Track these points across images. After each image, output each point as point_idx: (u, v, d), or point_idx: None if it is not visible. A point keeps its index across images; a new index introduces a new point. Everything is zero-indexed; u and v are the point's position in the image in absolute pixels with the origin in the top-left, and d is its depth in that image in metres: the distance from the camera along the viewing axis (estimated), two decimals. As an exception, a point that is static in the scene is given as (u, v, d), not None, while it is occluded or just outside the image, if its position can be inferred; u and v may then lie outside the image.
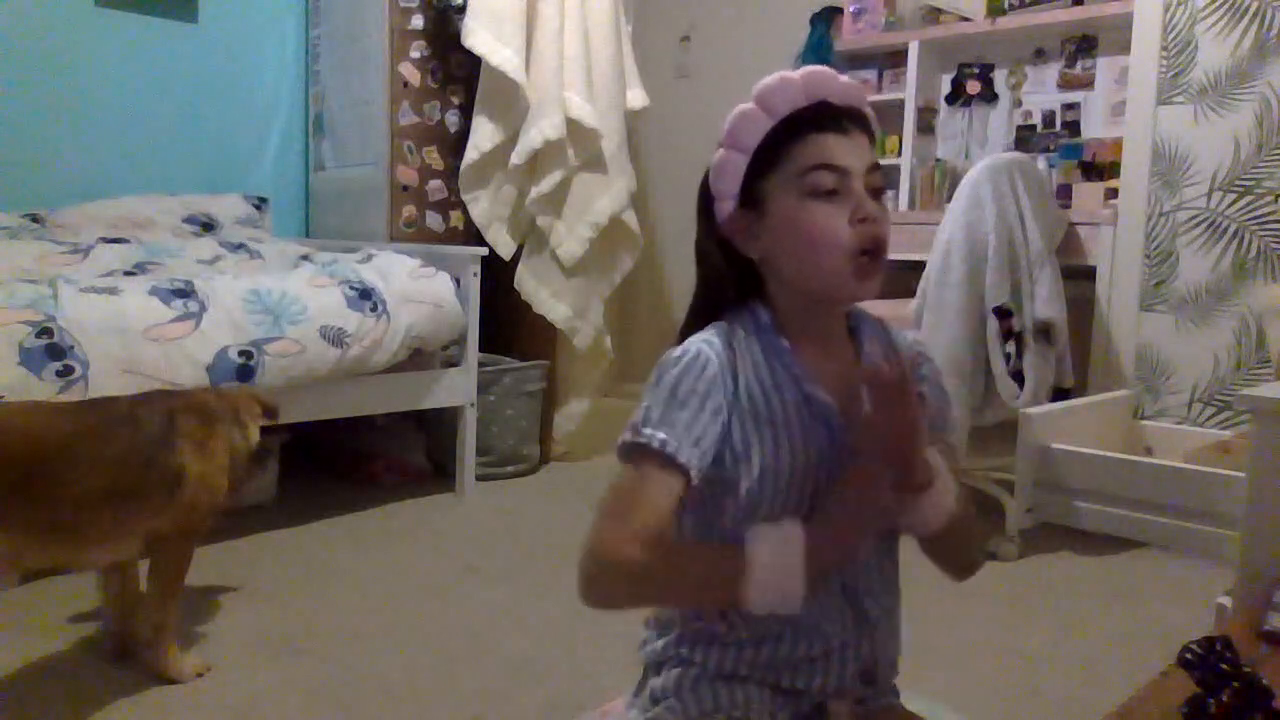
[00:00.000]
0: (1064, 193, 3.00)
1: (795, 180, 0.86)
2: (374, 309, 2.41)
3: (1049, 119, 3.18)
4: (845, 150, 0.86)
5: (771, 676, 0.88)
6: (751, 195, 0.89)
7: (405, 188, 3.14)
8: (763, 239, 0.89)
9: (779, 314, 0.91)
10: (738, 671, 0.89)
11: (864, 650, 0.90)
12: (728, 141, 0.90)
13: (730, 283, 0.92)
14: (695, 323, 0.93)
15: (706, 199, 0.93)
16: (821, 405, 0.88)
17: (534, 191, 3.04)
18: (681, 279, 4.13)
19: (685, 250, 4.03)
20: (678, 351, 0.88)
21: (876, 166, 0.87)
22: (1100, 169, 3.00)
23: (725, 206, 0.90)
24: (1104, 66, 3.04)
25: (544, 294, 3.12)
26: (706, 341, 0.88)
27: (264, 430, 1.83)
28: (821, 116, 0.86)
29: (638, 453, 0.83)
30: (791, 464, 0.87)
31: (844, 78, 0.89)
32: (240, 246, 2.87)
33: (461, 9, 2.98)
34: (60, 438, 1.46)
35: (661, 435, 0.82)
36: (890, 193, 3.44)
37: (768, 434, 0.87)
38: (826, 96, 0.87)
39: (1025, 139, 3.22)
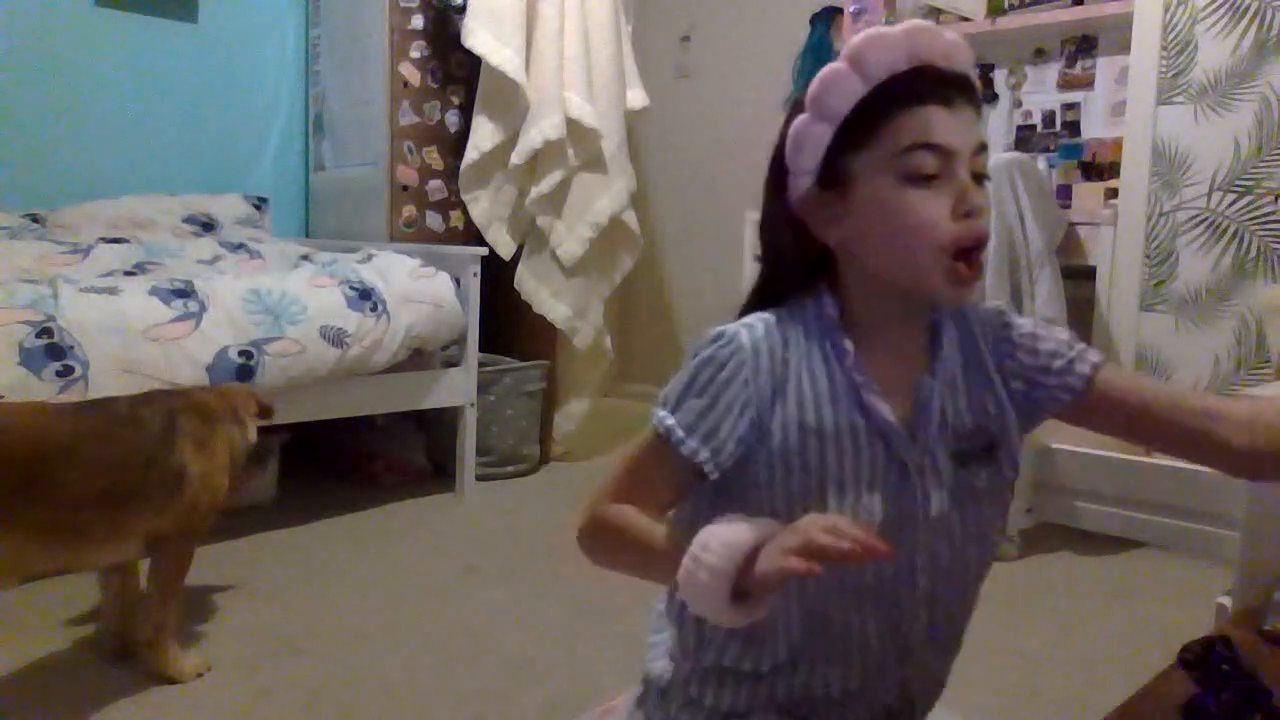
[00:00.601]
0: (1064, 193, 3.00)
1: (891, 160, 0.73)
2: (374, 309, 2.41)
3: (1049, 119, 3.18)
4: (952, 127, 0.73)
5: (787, 718, 0.80)
6: (834, 173, 0.76)
7: (405, 188, 3.14)
8: (844, 224, 0.77)
9: (851, 309, 0.80)
10: (750, 711, 0.81)
11: (902, 682, 0.81)
12: (812, 108, 0.77)
13: (799, 269, 0.81)
14: (754, 305, 0.83)
15: (779, 172, 0.81)
16: (880, 420, 0.77)
17: (534, 191, 3.04)
18: (682, 279, 4.13)
19: (685, 250, 4.03)
20: (715, 331, 0.79)
21: (983, 147, 0.75)
22: (1100, 169, 3.00)
23: (801, 183, 0.78)
24: (1104, 66, 3.04)
25: (544, 294, 3.12)
26: (748, 327, 0.78)
27: (264, 430, 1.83)
28: (925, 84, 0.73)
29: (653, 429, 0.78)
30: (841, 482, 0.76)
31: (950, 35, 0.75)
32: (240, 246, 2.87)
33: (461, 9, 2.98)
34: (62, 439, 1.46)
35: (670, 421, 0.77)
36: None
37: (813, 445, 0.76)
38: (931, 59, 0.74)
39: (1025, 139, 3.22)
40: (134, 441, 1.54)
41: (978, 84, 0.77)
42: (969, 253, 0.73)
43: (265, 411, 1.84)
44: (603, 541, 0.80)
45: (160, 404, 1.62)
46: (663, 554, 0.73)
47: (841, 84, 0.74)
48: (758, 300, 0.83)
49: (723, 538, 0.68)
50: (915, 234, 0.73)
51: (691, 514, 0.82)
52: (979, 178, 0.75)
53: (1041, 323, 0.85)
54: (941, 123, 0.73)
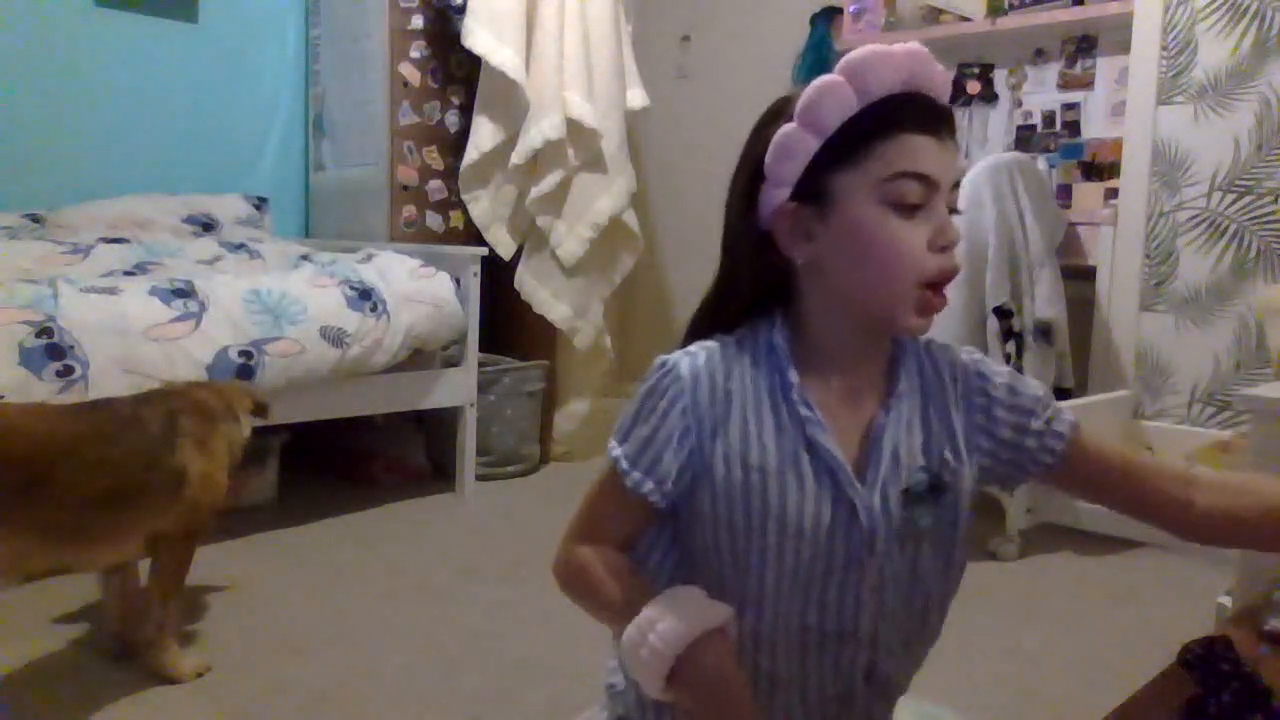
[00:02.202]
0: (1064, 193, 3.00)
1: (877, 184, 0.72)
2: (374, 309, 2.41)
3: (1049, 119, 3.17)
4: (939, 159, 0.73)
5: None
6: (815, 188, 0.74)
7: (405, 188, 3.14)
8: (818, 242, 0.75)
9: (808, 334, 0.78)
10: None
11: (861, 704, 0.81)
12: (801, 118, 0.73)
13: (755, 284, 0.79)
14: (703, 322, 0.82)
15: (754, 179, 0.78)
16: (828, 456, 0.74)
17: (534, 191, 3.04)
18: (681, 279, 4.13)
19: (685, 250, 4.02)
20: (659, 361, 0.78)
21: (957, 184, 0.76)
22: (1100, 169, 3.00)
23: (778, 194, 0.76)
24: (1104, 66, 3.04)
25: (544, 294, 3.12)
26: (690, 355, 0.77)
27: (264, 430, 1.83)
28: (920, 112, 0.73)
29: (609, 461, 0.79)
30: (783, 521, 0.74)
31: (940, 66, 0.75)
32: (240, 246, 2.87)
33: (461, 9, 2.97)
34: (64, 440, 1.46)
35: (617, 452, 0.77)
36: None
37: (755, 480, 0.74)
38: (926, 88, 0.73)
39: (1025, 139, 3.22)
40: (135, 442, 1.54)
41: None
42: (939, 285, 0.74)
43: (260, 408, 1.84)
44: (571, 587, 0.82)
45: (160, 404, 1.62)
46: (618, 613, 0.76)
47: (838, 99, 0.72)
48: (707, 320, 0.82)
49: (670, 623, 0.69)
50: (895, 262, 0.72)
51: (649, 544, 0.82)
52: (952, 213, 0.75)
53: (1015, 375, 0.83)
54: (931, 153, 0.72)
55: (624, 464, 0.77)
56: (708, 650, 0.68)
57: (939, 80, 0.74)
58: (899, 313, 0.74)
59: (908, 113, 0.72)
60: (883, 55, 0.72)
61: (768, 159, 0.76)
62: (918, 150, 0.72)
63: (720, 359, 0.77)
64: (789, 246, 0.77)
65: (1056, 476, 0.83)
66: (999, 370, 0.83)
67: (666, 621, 0.69)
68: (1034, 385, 0.83)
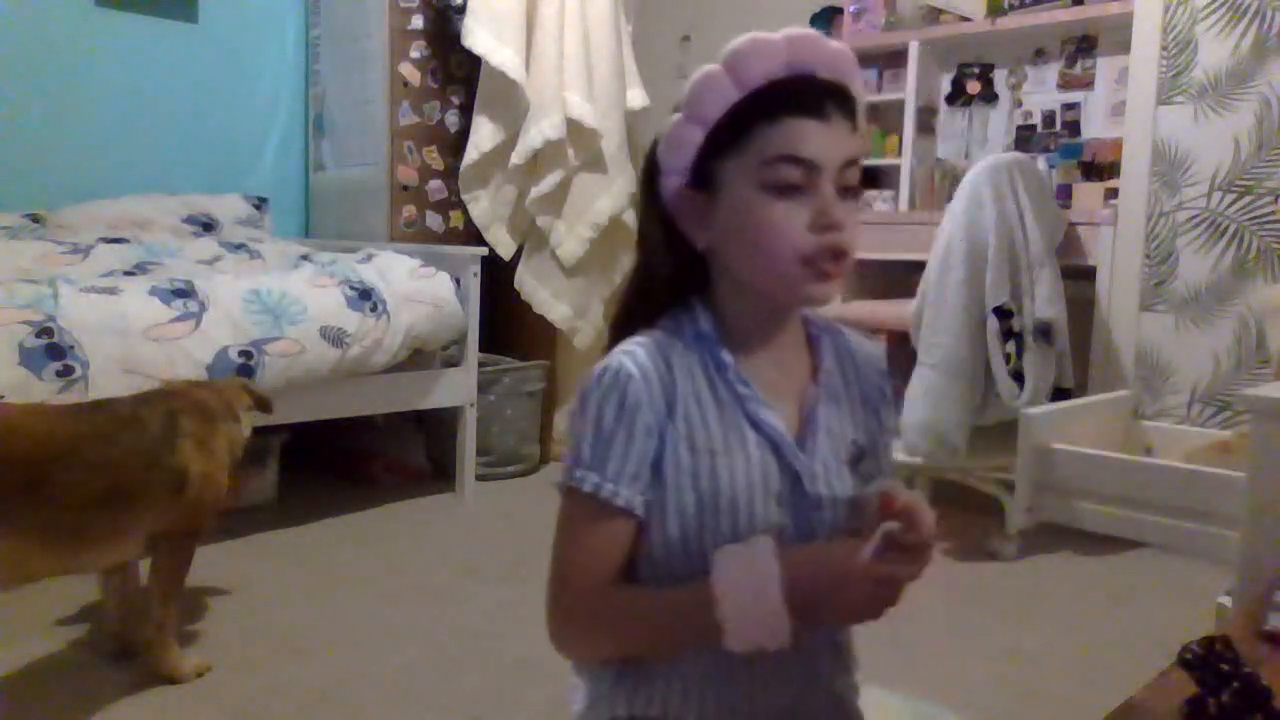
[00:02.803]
0: (1064, 193, 3.00)
1: (756, 169, 0.73)
2: (374, 309, 2.41)
3: (1049, 119, 3.17)
4: (820, 141, 0.72)
5: None
6: (704, 175, 0.76)
7: (405, 188, 3.14)
8: (712, 228, 0.77)
9: (726, 317, 0.80)
10: None
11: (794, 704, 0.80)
12: (686, 109, 0.76)
13: (670, 272, 0.80)
14: (628, 316, 0.83)
15: (653, 169, 0.80)
16: (770, 430, 0.77)
17: (534, 191, 3.04)
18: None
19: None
20: (599, 369, 0.76)
21: (854, 161, 0.74)
22: (1100, 169, 3.00)
23: (672, 182, 0.78)
24: (1104, 66, 3.04)
25: (544, 294, 3.12)
26: (628, 354, 0.76)
27: (265, 430, 1.83)
28: (799, 95, 0.73)
29: (575, 495, 0.75)
30: (733, 498, 0.75)
31: (834, 44, 0.75)
32: (240, 246, 2.87)
33: (461, 9, 2.97)
34: (64, 440, 1.46)
35: (595, 478, 0.74)
36: (890, 193, 3.44)
37: (705, 464, 0.75)
38: (812, 69, 0.74)
39: (1025, 139, 3.22)
40: (136, 442, 1.54)
41: (860, 95, 0.77)
42: (832, 259, 0.74)
43: (261, 403, 1.84)
44: (590, 634, 0.79)
45: (160, 404, 1.62)
46: (671, 615, 0.74)
47: (716, 90, 0.74)
48: (629, 307, 0.83)
49: (749, 561, 0.70)
50: (773, 244, 0.73)
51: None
52: (848, 190, 0.74)
53: (890, 394, 0.88)
54: (809, 135, 0.72)
55: (603, 485, 0.74)
56: (791, 571, 0.69)
57: (829, 58, 0.74)
58: (792, 289, 0.75)
59: (787, 97, 0.73)
60: (760, 42, 0.74)
61: (660, 149, 0.79)
62: (795, 133, 0.72)
63: (657, 350, 0.77)
64: (689, 232, 0.79)
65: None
66: (893, 383, 0.90)
67: (747, 584, 0.69)
68: (890, 427, 0.88)
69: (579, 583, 0.78)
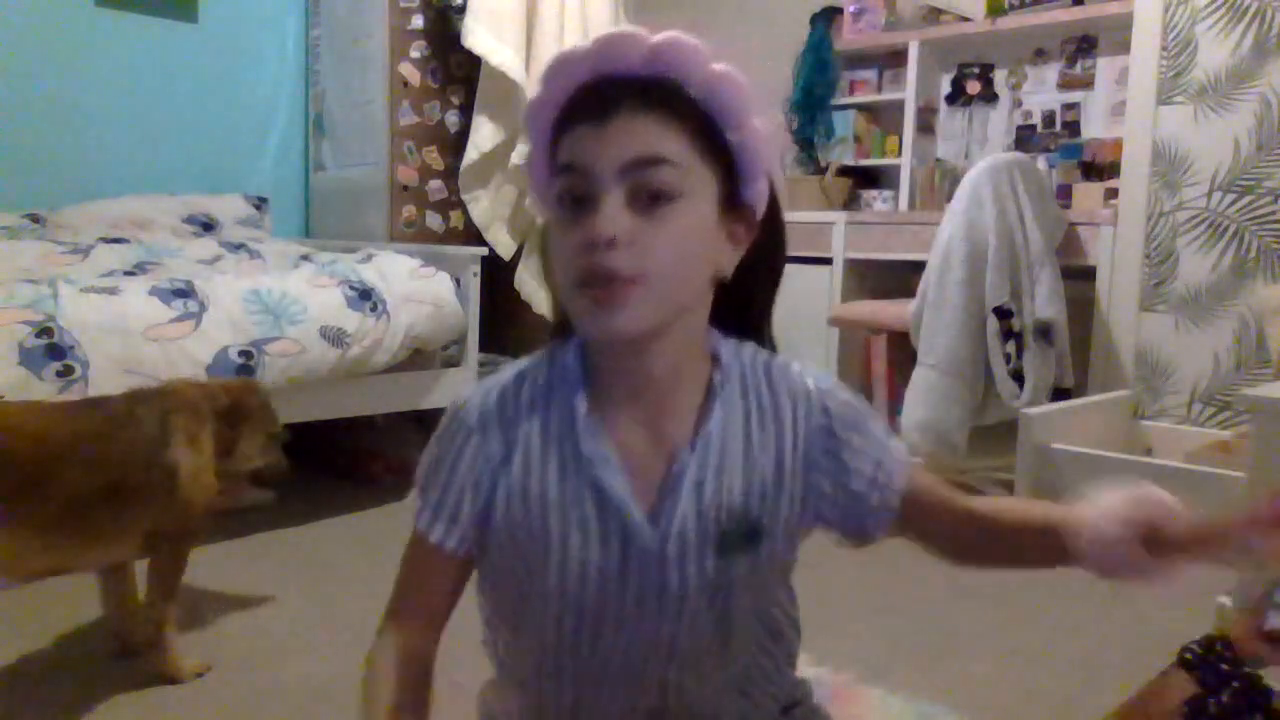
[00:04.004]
0: (1064, 193, 3.00)
1: (553, 184, 0.68)
2: (374, 309, 2.41)
3: (1049, 119, 3.18)
4: (591, 145, 0.65)
5: None
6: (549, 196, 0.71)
7: (405, 188, 3.14)
8: None
9: (592, 353, 0.71)
10: None
11: None
12: (527, 134, 0.73)
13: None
14: (560, 330, 0.77)
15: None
16: (615, 498, 0.68)
17: (534, 191, 3.04)
18: (681, 279, 4.13)
19: (685, 250, 3.94)
20: (453, 403, 0.73)
21: (651, 161, 0.64)
22: (1100, 169, 3.00)
23: (544, 211, 0.72)
24: (1104, 66, 3.04)
25: (544, 294, 3.12)
26: (484, 393, 0.72)
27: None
28: (584, 100, 0.67)
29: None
30: (563, 564, 0.68)
31: (658, 36, 0.68)
32: (240, 246, 2.87)
33: (461, 9, 2.98)
34: (62, 438, 1.46)
35: (419, 503, 0.72)
36: (890, 193, 3.44)
37: (536, 514, 0.69)
38: (623, 67, 0.67)
39: (1025, 139, 3.22)
40: (132, 440, 1.54)
41: (707, 82, 0.67)
42: (601, 283, 0.63)
43: (262, 411, 1.83)
44: (362, 685, 0.76)
45: (155, 402, 1.62)
46: None
47: (535, 108, 0.70)
48: (559, 326, 0.77)
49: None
50: (556, 268, 0.67)
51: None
52: (658, 196, 0.64)
53: (862, 411, 0.76)
54: (581, 140, 0.65)
55: (420, 519, 0.71)
56: None
57: (651, 54, 0.67)
58: (576, 321, 0.67)
59: (574, 105, 0.67)
60: (566, 55, 0.68)
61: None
62: (572, 141, 0.66)
63: (513, 391, 0.71)
64: None
65: (901, 525, 0.77)
66: (845, 400, 0.75)
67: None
68: (877, 424, 0.76)
69: (392, 607, 0.77)
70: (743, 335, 0.76)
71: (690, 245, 0.66)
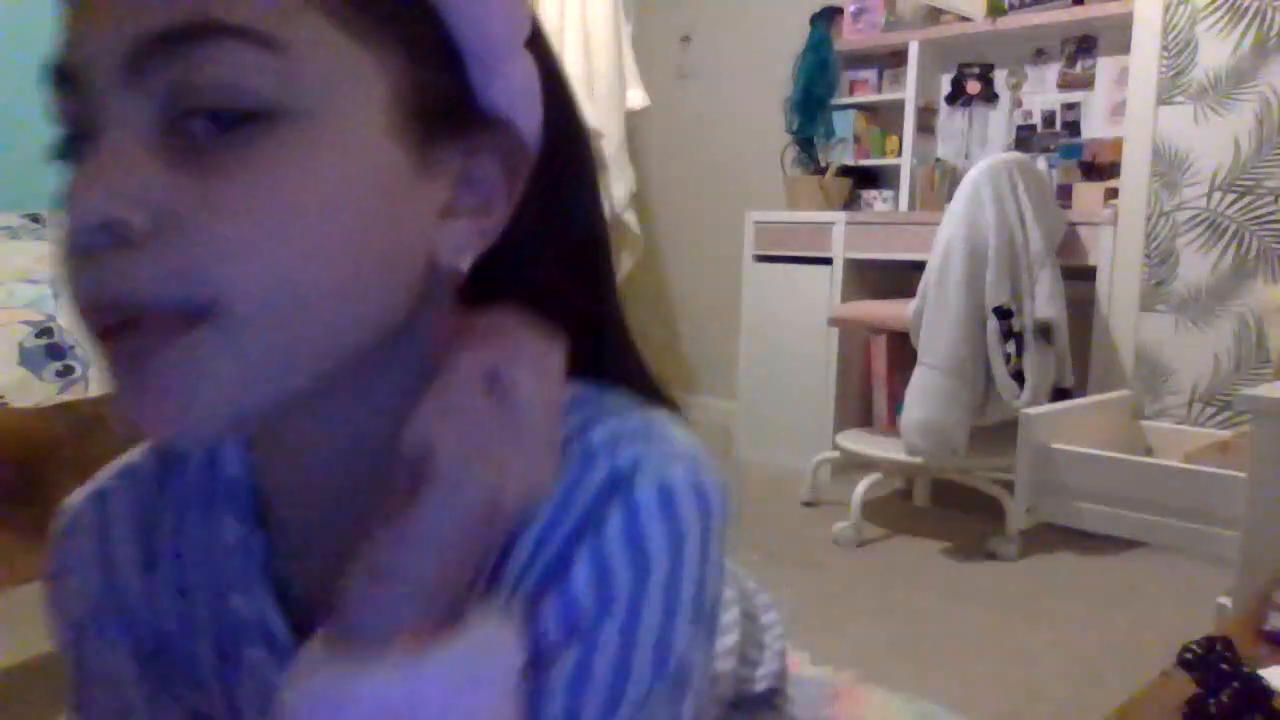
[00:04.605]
0: (1064, 193, 3.00)
1: None
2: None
3: (1049, 119, 3.18)
4: (83, 15, 0.37)
5: None
6: None
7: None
8: None
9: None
10: None
11: None
12: None
13: None
14: None
15: None
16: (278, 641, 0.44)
17: (534, 191, 3.04)
18: (682, 279, 4.13)
19: (686, 250, 4.00)
20: (59, 510, 0.50)
21: (193, 33, 0.34)
22: (1100, 169, 3.00)
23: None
24: (1104, 66, 3.04)
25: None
26: (92, 494, 0.48)
27: None
28: None
29: None
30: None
31: None
32: (240, 246, 2.87)
33: (461, 9, 2.98)
34: (55, 437, 1.46)
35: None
36: (890, 193, 3.44)
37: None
38: None
39: (1025, 139, 3.22)
40: (109, 441, 1.54)
41: None
42: (114, 331, 0.37)
43: None
44: None
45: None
46: None
47: None
48: None
49: None
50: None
51: None
52: (230, 116, 0.34)
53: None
54: (72, 12, 0.38)
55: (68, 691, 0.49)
56: None
57: None
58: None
59: None
60: None
61: None
62: (64, 19, 0.41)
63: (135, 488, 0.47)
64: None
65: None
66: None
67: None
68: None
69: None
70: (574, 333, 0.43)
71: (331, 220, 0.35)
